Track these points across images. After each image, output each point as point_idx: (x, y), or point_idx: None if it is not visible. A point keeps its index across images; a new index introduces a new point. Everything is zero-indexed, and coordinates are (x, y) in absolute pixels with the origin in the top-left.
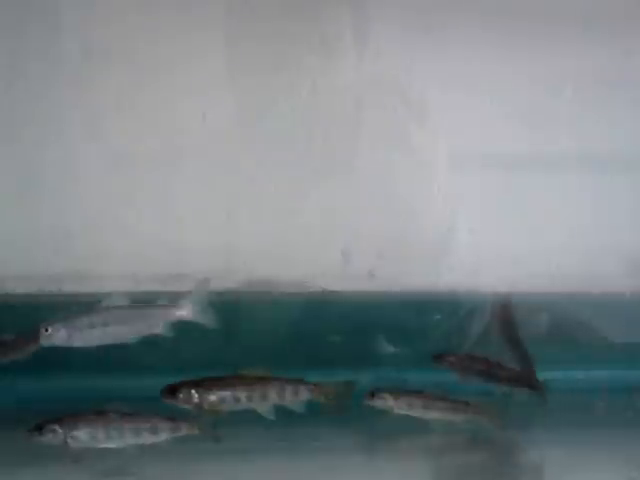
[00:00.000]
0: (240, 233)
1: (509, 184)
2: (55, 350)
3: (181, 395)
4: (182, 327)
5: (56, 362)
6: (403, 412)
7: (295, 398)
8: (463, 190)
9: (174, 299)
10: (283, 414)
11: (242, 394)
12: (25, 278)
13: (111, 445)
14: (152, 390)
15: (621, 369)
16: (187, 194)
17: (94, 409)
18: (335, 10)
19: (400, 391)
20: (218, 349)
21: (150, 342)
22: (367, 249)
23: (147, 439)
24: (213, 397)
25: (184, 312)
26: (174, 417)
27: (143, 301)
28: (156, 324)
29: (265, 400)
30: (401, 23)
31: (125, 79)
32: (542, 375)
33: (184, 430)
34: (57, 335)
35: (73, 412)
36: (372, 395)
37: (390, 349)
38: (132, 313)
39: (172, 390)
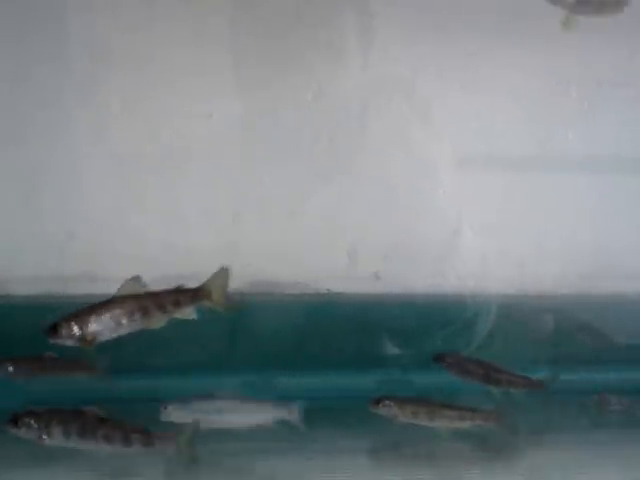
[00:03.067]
0: (246, 235)
1: (515, 186)
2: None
3: (63, 331)
4: (186, 329)
5: None
6: (408, 420)
7: (177, 308)
8: (469, 192)
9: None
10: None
11: (123, 318)
12: (30, 280)
13: (82, 447)
14: (157, 391)
15: (627, 370)
16: (193, 196)
17: (72, 409)
18: (340, 13)
19: (405, 399)
20: (223, 350)
21: (154, 343)
22: (373, 251)
23: (119, 448)
24: (95, 326)
25: (293, 415)
26: (149, 431)
27: None
28: (265, 420)
29: (150, 317)
30: (406, 25)
31: (131, 82)
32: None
33: (157, 445)
34: (174, 414)
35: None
36: (377, 403)
37: (395, 351)
38: (246, 406)
39: (54, 328)
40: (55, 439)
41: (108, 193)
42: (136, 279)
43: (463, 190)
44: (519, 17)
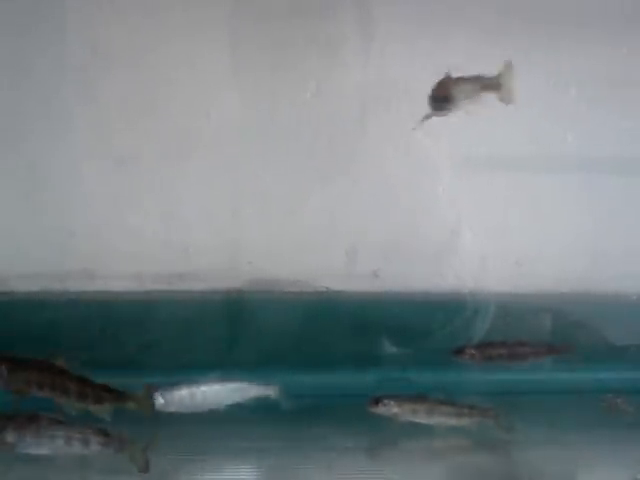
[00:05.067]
0: (245, 232)
1: (514, 185)
2: None
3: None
4: (185, 326)
5: None
6: (408, 419)
7: (98, 404)
8: (468, 191)
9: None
10: (285, 413)
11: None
12: (29, 277)
13: (40, 452)
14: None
15: (626, 371)
16: (192, 193)
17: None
18: (340, 11)
19: (404, 398)
20: (223, 348)
21: (154, 341)
22: (371, 249)
23: (77, 450)
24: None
25: (271, 392)
26: (107, 431)
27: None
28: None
29: (66, 396)
30: (406, 24)
31: (130, 79)
32: (546, 376)
33: (115, 446)
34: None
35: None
36: (376, 402)
37: (394, 349)
38: (229, 387)
39: None
40: (10, 444)
41: (108, 191)
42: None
43: (462, 189)
44: (518, 16)
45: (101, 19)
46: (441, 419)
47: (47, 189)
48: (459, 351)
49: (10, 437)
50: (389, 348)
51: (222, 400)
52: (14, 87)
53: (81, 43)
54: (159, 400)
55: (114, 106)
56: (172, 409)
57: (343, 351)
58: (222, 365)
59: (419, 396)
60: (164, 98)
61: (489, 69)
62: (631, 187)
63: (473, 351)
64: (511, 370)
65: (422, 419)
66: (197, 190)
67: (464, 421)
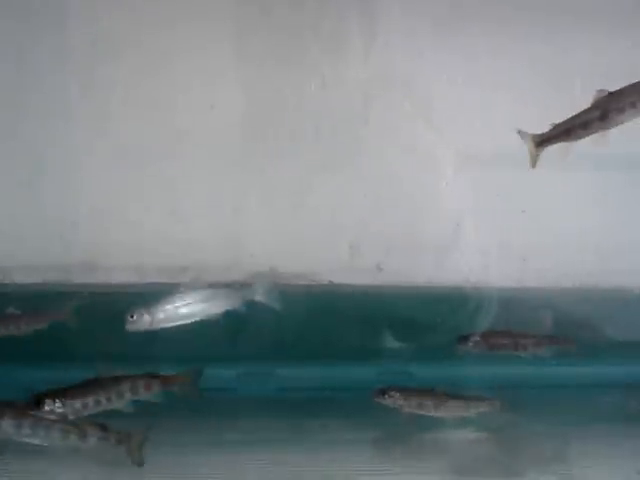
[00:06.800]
0: (247, 225)
1: (518, 180)
2: None
3: (46, 406)
4: None
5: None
6: (414, 410)
7: (148, 392)
8: (471, 185)
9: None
10: (288, 406)
11: (102, 397)
12: (31, 269)
13: (35, 442)
14: None
15: (628, 365)
16: (194, 186)
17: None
18: (344, 4)
19: (410, 390)
20: (224, 342)
21: (152, 334)
22: (375, 243)
23: (74, 443)
24: (77, 405)
25: (256, 295)
26: (105, 425)
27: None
28: (232, 303)
29: (122, 398)
30: (409, 18)
31: (133, 70)
32: (547, 371)
33: (113, 441)
34: (142, 320)
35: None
36: (382, 394)
37: (396, 343)
38: (214, 293)
39: (37, 401)
40: (6, 432)
41: (110, 183)
42: None
43: (466, 183)
44: (521, 10)
45: (103, 9)
46: (447, 411)
47: (48, 180)
48: (463, 339)
49: (7, 426)
50: (392, 341)
51: (208, 307)
52: (15, 79)
53: (82, 31)
54: (141, 321)
55: (116, 98)
56: (158, 324)
57: (346, 344)
58: (225, 357)
59: (425, 388)
60: (167, 89)
61: (492, 62)
62: (637, 182)
63: (476, 339)
64: (513, 364)
65: (428, 411)
66: (199, 182)
67: (470, 412)
